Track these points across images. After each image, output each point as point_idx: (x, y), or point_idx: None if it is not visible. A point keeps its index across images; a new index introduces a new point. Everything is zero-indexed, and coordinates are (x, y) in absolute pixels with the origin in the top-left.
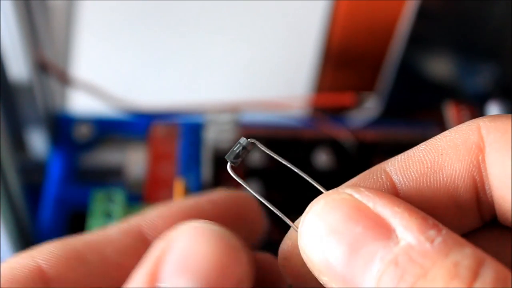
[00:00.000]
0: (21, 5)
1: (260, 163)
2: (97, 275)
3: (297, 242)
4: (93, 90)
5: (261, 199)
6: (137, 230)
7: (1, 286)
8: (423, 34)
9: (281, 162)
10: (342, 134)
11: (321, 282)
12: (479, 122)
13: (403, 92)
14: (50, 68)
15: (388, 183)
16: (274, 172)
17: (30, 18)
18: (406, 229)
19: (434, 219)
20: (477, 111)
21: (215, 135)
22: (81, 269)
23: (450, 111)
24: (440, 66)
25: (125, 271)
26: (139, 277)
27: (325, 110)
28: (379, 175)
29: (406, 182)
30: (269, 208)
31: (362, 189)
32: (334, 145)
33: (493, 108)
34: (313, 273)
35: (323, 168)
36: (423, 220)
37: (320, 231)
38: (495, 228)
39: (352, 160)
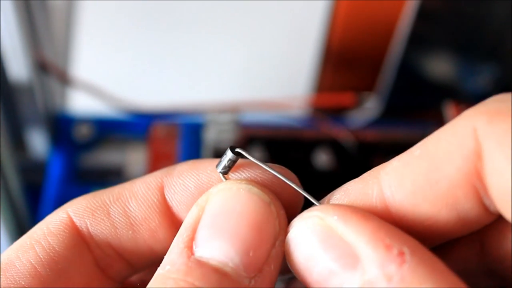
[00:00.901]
0: (21, 5)
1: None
2: (121, 227)
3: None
4: (93, 90)
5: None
6: (160, 186)
7: (41, 242)
8: (423, 34)
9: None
10: (342, 134)
11: None
12: (476, 123)
13: (403, 92)
14: (50, 68)
15: (378, 198)
16: None
17: (30, 18)
18: (369, 261)
19: (403, 243)
20: None
21: (215, 135)
22: (105, 221)
23: (450, 111)
24: (440, 66)
25: (147, 224)
26: (175, 246)
27: (325, 110)
28: (370, 186)
29: (400, 196)
30: None
31: (331, 210)
32: (334, 145)
33: None
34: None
35: (323, 168)
36: (387, 250)
37: (297, 259)
38: (503, 222)
39: (352, 160)
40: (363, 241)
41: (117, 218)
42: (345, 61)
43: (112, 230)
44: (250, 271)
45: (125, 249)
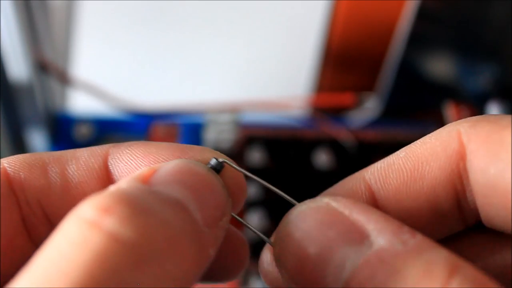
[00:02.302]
0: (21, 5)
1: (260, 163)
2: (55, 187)
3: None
4: (93, 90)
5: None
6: (104, 154)
7: None
8: (423, 34)
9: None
10: (342, 134)
11: None
12: (459, 127)
13: (403, 92)
14: (50, 68)
15: (367, 193)
16: (274, 172)
17: (30, 18)
18: (380, 233)
19: (409, 227)
20: (477, 111)
21: (215, 135)
22: (41, 178)
23: (450, 111)
24: (440, 66)
25: (83, 190)
26: (130, 176)
27: (325, 110)
28: (358, 185)
29: (386, 192)
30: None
31: (339, 197)
32: (334, 145)
33: (493, 108)
34: (286, 283)
35: (323, 168)
36: (398, 226)
37: (294, 238)
38: (480, 232)
39: (352, 160)
40: (373, 219)
41: (53, 176)
42: (345, 61)
43: (46, 188)
44: (204, 223)
45: (54, 209)
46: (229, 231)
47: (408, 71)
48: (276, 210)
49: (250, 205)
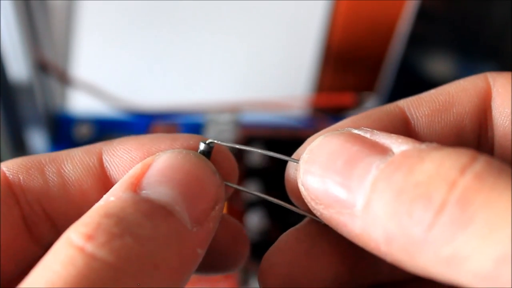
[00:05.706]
0: (21, 5)
1: (260, 163)
2: (53, 185)
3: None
4: (93, 90)
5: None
6: (98, 151)
7: None
8: (423, 34)
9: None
10: None
11: (317, 214)
12: (487, 73)
13: (403, 92)
14: (50, 68)
15: (400, 116)
16: (274, 172)
17: (30, 18)
18: (402, 143)
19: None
20: None
21: (215, 135)
22: (39, 178)
23: None
24: (440, 66)
25: (81, 187)
26: (121, 184)
27: (325, 110)
28: (392, 109)
29: (419, 117)
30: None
31: (357, 129)
32: None
33: None
34: (309, 205)
35: None
36: (417, 140)
37: (318, 158)
38: None
39: None
40: (393, 137)
41: (51, 176)
42: (345, 61)
43: (44, 187)
44: (193, 221)
45: (54, 208)
46: (226, 220)
47: (408, 71)
48: (276, 210)
49: (250, 205)
